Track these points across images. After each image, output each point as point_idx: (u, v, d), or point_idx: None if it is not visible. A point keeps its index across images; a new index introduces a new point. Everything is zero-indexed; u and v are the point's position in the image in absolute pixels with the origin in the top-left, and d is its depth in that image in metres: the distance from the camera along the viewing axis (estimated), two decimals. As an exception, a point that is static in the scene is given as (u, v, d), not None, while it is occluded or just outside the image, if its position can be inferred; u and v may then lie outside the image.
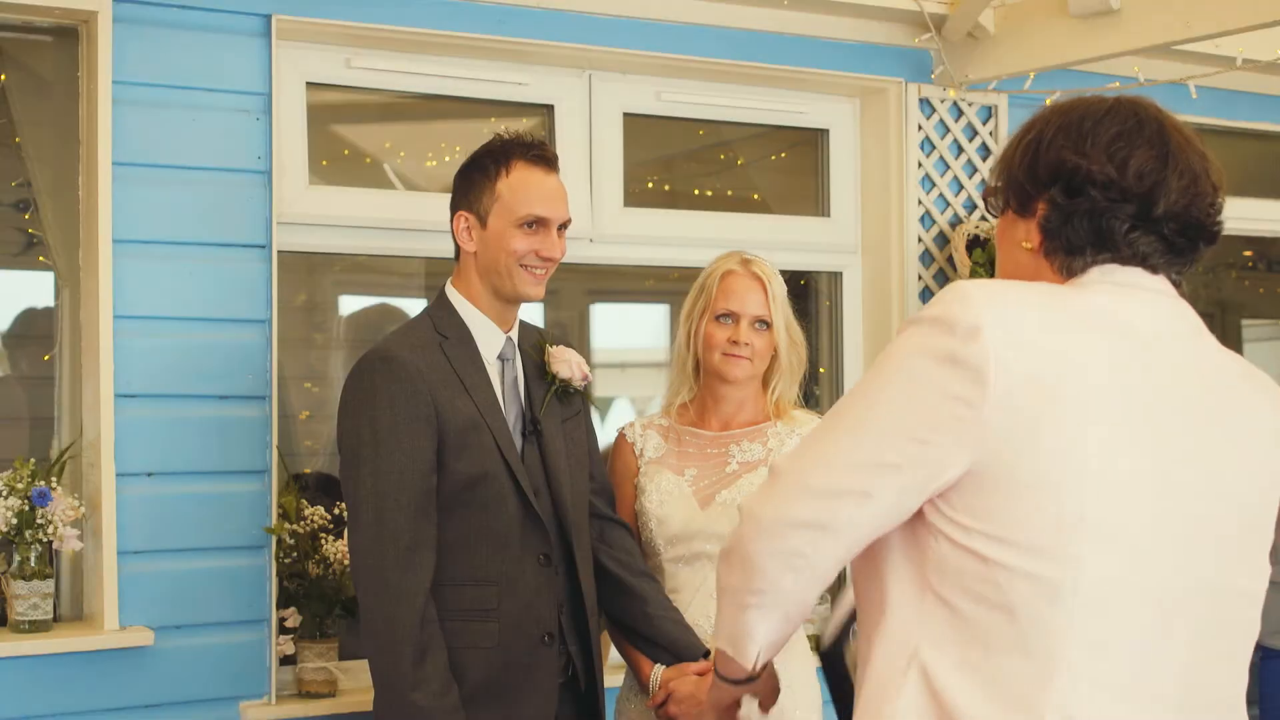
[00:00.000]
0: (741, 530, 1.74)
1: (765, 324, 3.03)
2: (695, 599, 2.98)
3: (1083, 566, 1.61)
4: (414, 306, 4.67)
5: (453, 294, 2.84)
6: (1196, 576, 1.69)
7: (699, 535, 2.96)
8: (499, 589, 2.70)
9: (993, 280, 1.76)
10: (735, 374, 3.01)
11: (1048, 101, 4.37)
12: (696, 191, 4.48)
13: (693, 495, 2.99)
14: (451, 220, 2.86)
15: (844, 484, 1.66)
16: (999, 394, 1.60)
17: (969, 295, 1.66)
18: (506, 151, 2.80)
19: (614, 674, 3.18)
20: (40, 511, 3.12)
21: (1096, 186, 1.73)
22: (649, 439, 3.10)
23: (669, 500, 3.00)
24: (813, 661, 3.02)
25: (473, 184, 2.82)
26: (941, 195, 4.24)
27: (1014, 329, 1.63)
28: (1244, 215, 4.96)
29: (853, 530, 1.68)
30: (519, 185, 2.78)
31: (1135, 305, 1.74)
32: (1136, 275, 1.76)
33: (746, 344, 3.00)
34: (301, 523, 3.41)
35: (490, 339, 2.83)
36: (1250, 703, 4.79)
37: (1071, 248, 1.77)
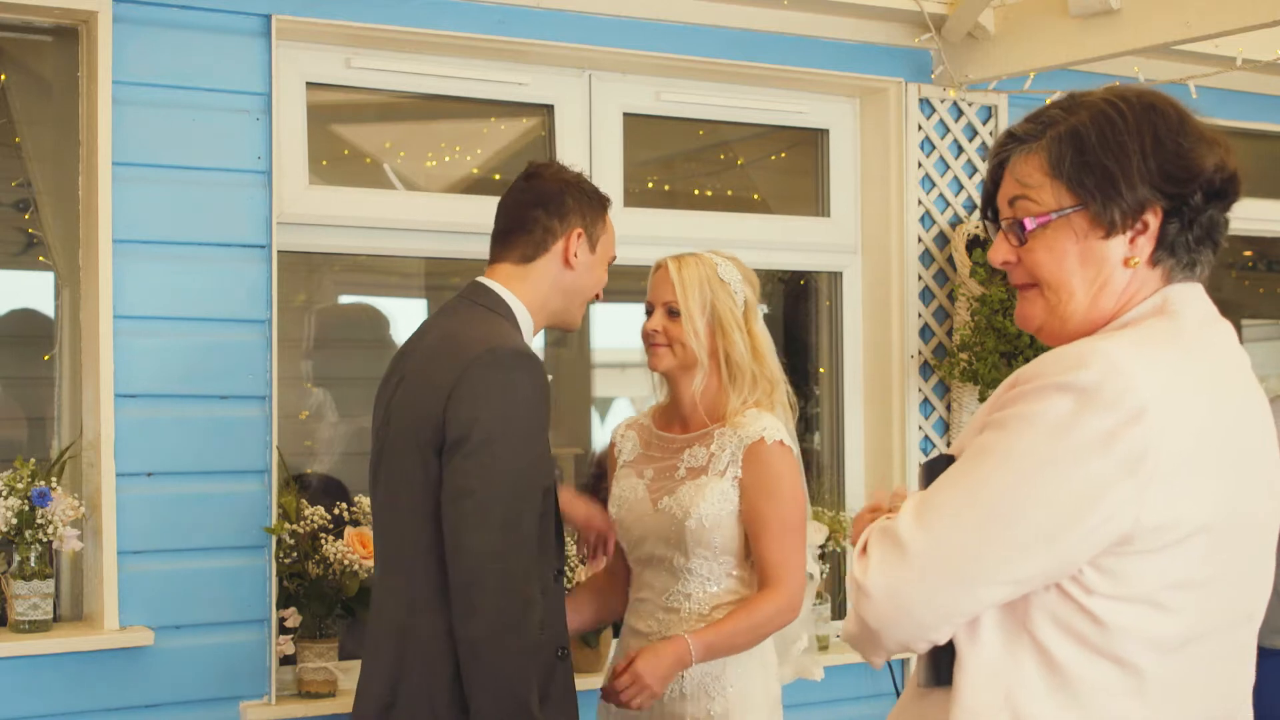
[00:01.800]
0: (878, 612, 1.61)
1: (675, 312, 3.00)
2: (649, 607, 2.98)
3: (1186, 618, 1.60)
4: (415, 306, 4.68)
5: (511, 299, 2.77)
6: (1244, 610, 1.71)
7: (648, 539, 2.96)
8: (547, 600, 2.68)
9: (1133, 339, 1.61)
10: (654, 363, 3.00)
11: (1048, 101, 4.37)
12: (696, 191, 4.47)
13: (647, 498, 2.98)
14: (551, 228, 2.80)
15: (991, 575, 1.56)
16: (1156, 476, 1.53)
17: (1123, 366, 1.54)
18: (606, 198, 2.92)
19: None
20: (40, 511, 3.12)
21: (1214, 186, 1.66)
22: (628, 440, 3.11)
23: (625, 504, 3.01)
24: (771, 672, 3.00)
25: (591, 207, 2.85)
26: (941, 195, 4.24)
27: (1175, 404, 1.55)
28: (1244, 215, 4.89)
29: (988, 606, 1.60)
30: (613, 229, 2.91)
31: (1229, 341, 1.70)
32: (1204, 297, 1.70)
33: (657, 330, 2.98)
34: (301, 523, 3.41)
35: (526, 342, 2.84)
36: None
37: (1189, 262, 1.68)
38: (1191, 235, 1.67)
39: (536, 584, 2.58)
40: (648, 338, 3.00)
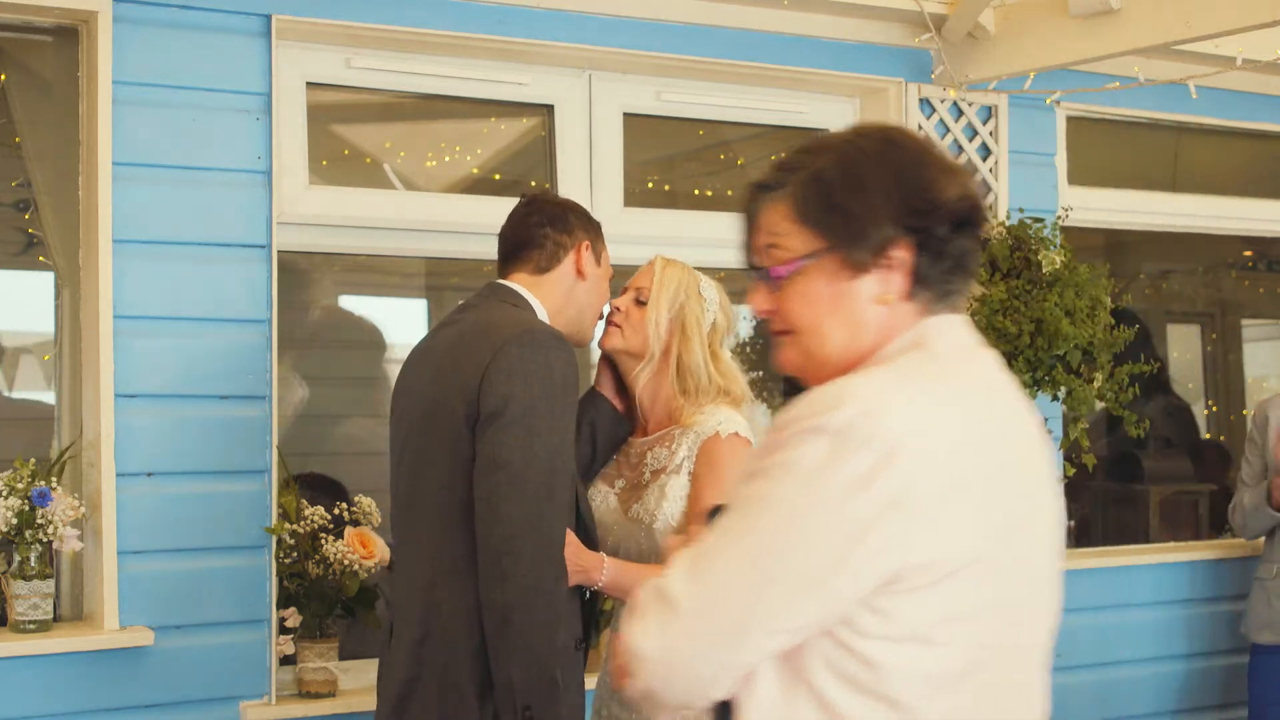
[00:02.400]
0: (654, 673, 1.56)
1: (644, 302, 3.02)
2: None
3: (960, 653, 1.55)
4: (415, 306, 4.68)
5: (534, 301, 2.85)
6: (1024, 642, 1.66)
7: (622, 545, 2.96)
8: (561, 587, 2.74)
9: (888, 375, 1.59)
10: (604, 340, 3.02)
11: (1048, 101, 4.38)
12: (696, 191, 4.48)
13: (619, 506, 2.99)
14: (561, 241, 2.89)
15: (763, 625, 1.52)
16: (919, 512, 1.50)
17: (877, 404, 1.52)
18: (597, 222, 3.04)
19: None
20: (40, 511, 3.12)
21: (960, 216, 1.63)
22: None
23: (599, 513, 3.00)
24: None
25: (590, 225, 2.97)
26: (941, 195, 4.23)
27: (934, 439, 1.52)
28: (1244, 215, 4.96)
29: (764, 656, 1.56)
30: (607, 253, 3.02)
31: (990, 370, 1.66)
32: (963, 327, 1.68)
33: (619, 309, 3.00)
34: (301, 523, 3.41)
35: None
36: (1240, 702, 4.81)
37: (944, 293, 1.65)
38: (943, 267, 1.63)
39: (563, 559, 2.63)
40: (609, 316, 3.02)
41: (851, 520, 1.50)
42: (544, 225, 2.90)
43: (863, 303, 1.64)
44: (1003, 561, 1.58)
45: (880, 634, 1.53)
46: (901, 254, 1.62)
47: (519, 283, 2.87)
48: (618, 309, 3.01)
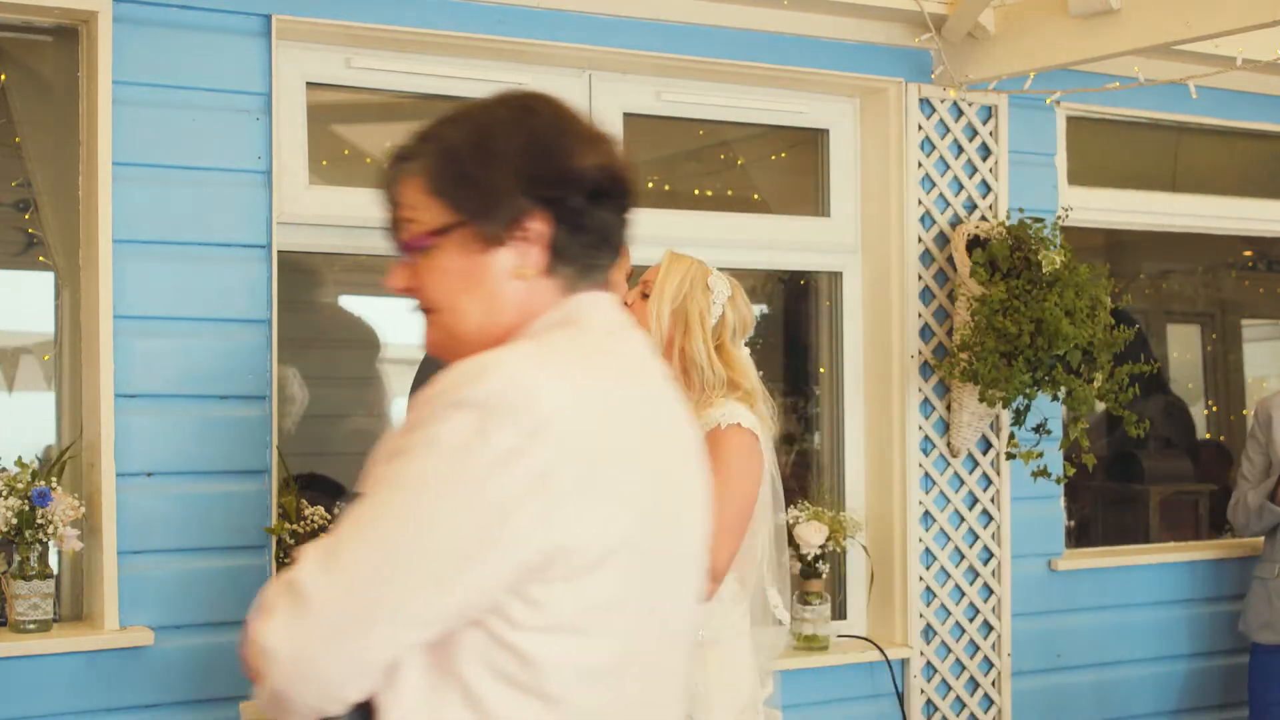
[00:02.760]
0: (283, 673, 1.42)
1: (646, 295, 3.03)
2: None
3: (612, 643, 1.49)
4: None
5: None
6: (674, 630, 1.61)
7: None
8: None
9: (536, 351, 1.50)
10: None
11: (1048, 101, 4.38)
12: (696, 191, 4.48)
13: None
14: None
15: (398, 617, 1.41)
16: (567, 493, 1.42)
17: (524, 379, 1.43)
18: None
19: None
20: (40, 511, 3.12)
21: (600, 187, 1.56)
22: None
23: None
24: (727, 669, 2.94)
25: None
26: (941, 195, 4.24)
27: (583, 417, 1.45)
28: (1244, 215, 4.96)
29: (402, 651, 1.45)
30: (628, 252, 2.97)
31: (641, 351, 1.61)
32: (613, 306, 1.61)
33: (626, 304, 3.01)
34: (302, 523, 3.41)
35: None
36: (1241, 703, 4.81)
37: (587, 268, 1.57)
38: (584, 240, 1.56)
39: None
40: None
41: (495, 499, 1.40)
42: None
43: (499, 277, 1.55)
44: (653, 547, 1.51)
45: (532, 625, 1.43)
46: (538, 226, 1.54)
47: None
48: (626, 304, 3.01)
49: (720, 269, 3.09)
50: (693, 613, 1.64)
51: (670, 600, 1.57)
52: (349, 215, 3.61)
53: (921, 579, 4.17)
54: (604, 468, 1.46)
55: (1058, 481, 4.20)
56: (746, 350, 3.06)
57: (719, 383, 2.95)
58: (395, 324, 4.59)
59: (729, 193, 4.48)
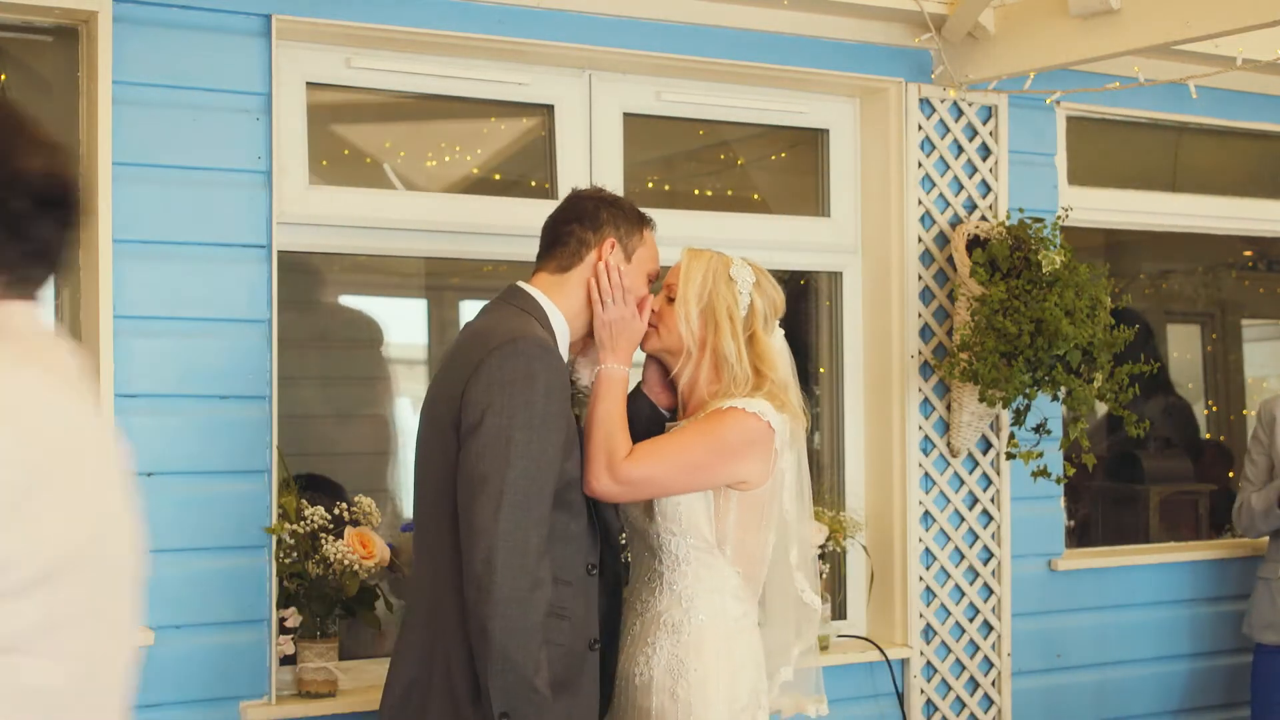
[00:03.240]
0: None
1: (671, 299, 3.02)
2: (636, 584, 3.02)
3: (70, 665, 1.43)
4: (415, 306, 4.67)
5: (545, 301, 2.85)
6: (123, 649, 1.57)
7: (631, 511, 2.98)
8: (573, 590, 2.74)
9: None
10: (644, 344, 3.01)
11: (1048, 101, 4.38)
12: (696, 191, 4.47)
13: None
14: (585, 239, 2.88)
15: None
16: (5, 504, 1.35)
17: None
18: (645, 218, 2.99)
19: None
20: (40, 511, 3.12)
21: (42, 194, 1.47)
22: None
23: (634, 513, 3.01)
24: (742, 674, 2.92)
25: (627, 220, 2.93)
26: (941, 195, 4.24)
27: (15, 430, 1.38)
28: (1244, 215, 4.96)
29: None
30: (654, 246, 2.98)
31: (71, 365, 1.54)
32: (41, 317, 1.54)
33: (655, 311, 3.00)
34: (301, 523, 3.41)
35: (562, 351, 2.86)
36: (1241, 703, 4.81)
37: (22, 278, 1.48)
38: (22, 249, 1.47)
39: (547, 568, 2.61)
40: (650, 318, 3.02)
41: None
42: (572, 221, 2.90)
43: None
44: (101, 563, 1.46)
45: None
46: None
47: (539, 283, 2.87)
48: (654, 312, 3.00)
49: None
50: (134, 635, 1.58)
51: (119, 619, 1.52)
52: (349, 215, 3.61)
53: (921, 579, 4.17)
54: (48, 478, 1.39)
55: (1058, 481, 4.20)
56: (781, 334, 3.06)
57: (744, 379, 2.95)
58: (397, 324, 4.59)
59: (729, 193, 4.47)
